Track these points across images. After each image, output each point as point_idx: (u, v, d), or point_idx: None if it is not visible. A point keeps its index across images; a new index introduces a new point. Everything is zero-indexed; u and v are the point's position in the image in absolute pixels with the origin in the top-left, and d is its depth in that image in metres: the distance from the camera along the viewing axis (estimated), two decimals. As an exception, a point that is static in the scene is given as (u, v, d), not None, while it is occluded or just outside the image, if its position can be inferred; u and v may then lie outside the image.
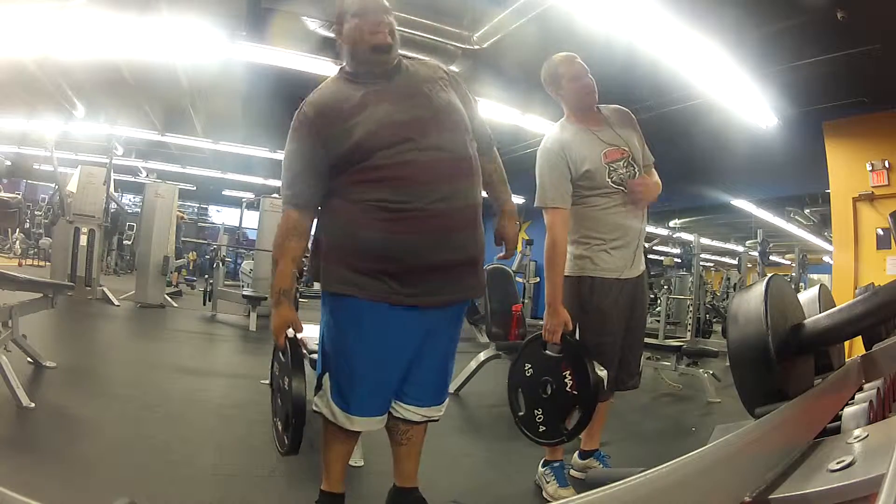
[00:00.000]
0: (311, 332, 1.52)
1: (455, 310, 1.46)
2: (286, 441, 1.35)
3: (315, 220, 1.43)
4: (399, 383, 1.43)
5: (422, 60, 1.52)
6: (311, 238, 1.46)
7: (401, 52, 1.43)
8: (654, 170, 2.04)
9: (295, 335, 1.38)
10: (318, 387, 1.44)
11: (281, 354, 1.40)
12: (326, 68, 4.56)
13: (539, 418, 1.75)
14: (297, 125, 1.38)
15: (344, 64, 1.44)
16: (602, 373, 1.69)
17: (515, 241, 1.58)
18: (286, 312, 1.37)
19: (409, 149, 1.30)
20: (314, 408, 1.44)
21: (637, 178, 1.87)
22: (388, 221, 1.29)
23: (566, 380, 1.70)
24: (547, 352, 1.78)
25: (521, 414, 1.80)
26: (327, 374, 1.42)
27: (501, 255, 1.62)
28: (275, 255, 1.40)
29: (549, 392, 1.74)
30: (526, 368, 1.82)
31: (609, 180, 1.84)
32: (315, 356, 1.73)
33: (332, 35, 1.46)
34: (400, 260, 1.31)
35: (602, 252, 1.86)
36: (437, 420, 1.53)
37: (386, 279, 1.32)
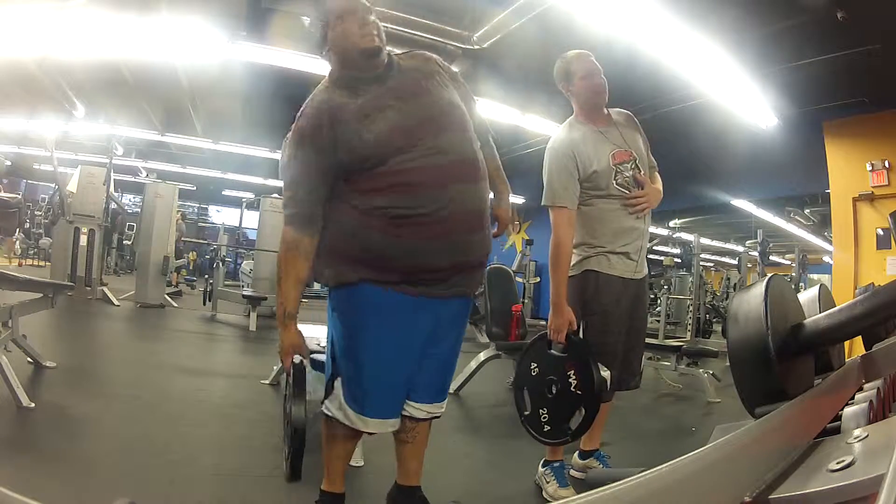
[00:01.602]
0: (310, 332, 1.52)
1: (459, 306, 1.45)
2: (289, 464, 1.36)
3: (319, 235, 1.39)
4: (411, 380, 1.43)
5: (412, 54, 1.47)
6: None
7: (390, 49, 1.41)
8: (657, 174, 2.05)
9: (301, 361, 1.39)
10: (329, 390, 1.42)
11: (287, 377, 1.41)
12: (326, 68, 4.57)
13: (544, 418, 1.75)
14: (295, 139, 1.33)
15: (332, 70, 1.40)
16: (605, 373, 1.69)
17: (508, 222, 1.58)
18: (293, 337, 1.37)
19: (418, 155, 1.29)
20: (325, 411, 1.43)
21: (638, 190, 1.88)
22: (395, 227, 1.28)
23: (570, 379, 1.70)
24: (552, 351, 1.77)
25: (526, 413, 1.80)
26: (339, 377, 1.40)
27: (495, 231, 1.57)
28: (278, 275, 1.38)
29: (554, 391, 1.73)
30: (532, 368, 1.82)
31: (615, 182, 1.85)
32: (316, 356, 1.73)
33: (319, 41, 1.40)
34: (407, 263, 1.31)
35: (606, 253, 1.86)
36: (438, 416, 1.53)
37: (392, 275, 1.32)
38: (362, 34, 1.32)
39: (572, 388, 1.69)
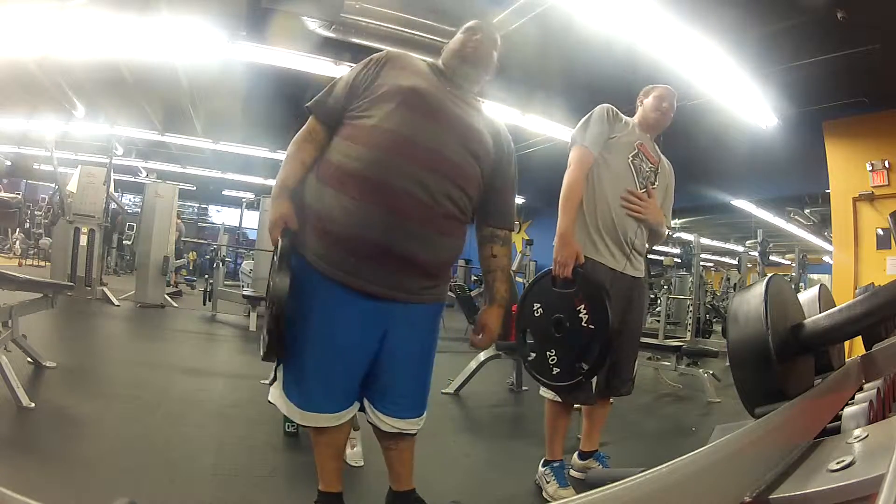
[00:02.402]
0: None
1: (419, 312, 1.39)
2: (265, 340, 1.28)
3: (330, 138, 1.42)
4: (363, 383, 1.38)
5: (497, 120, 1.55)
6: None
7: (392, 50, 1.47)
8: (669, 215, 2.10)
9: (289, 231, 1.33)
10: (273, 377, 1.40)
11: (273, 251, 1.34)
12: (326, 68, 4.58)
13: (552, 360, 1.66)
14: (366, 60, 1.43)
15: (441, 62, 1.50)
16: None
17: (495, 336, 1.51)
18: (284, 207, 1.34)
19: (411, 127, 1.30)
20: (269, 398, 1.41)
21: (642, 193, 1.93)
22: (354, 184, 1.27)
23: (580, 314, 1.63)
24: (557, 288, 1.72)
25: (531, 358, 1.72)
26: (281, 364, 1.37)
27: (473, 343, 1.54)
28: (288, 152, 1.41)
29: (563, 330, 1.65)
30: (535, 308, 1.74)
31: (630, 157, 1.93)
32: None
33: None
34: (358, 231, 1.27)
35: (600, 243, 1.88)
36: (413, 434, 1.45)
37: (345, 257, 1.28)
38: (472, 47, 1.46)
39: (584, 324, 1.62)
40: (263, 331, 1.31)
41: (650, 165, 1.97)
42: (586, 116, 1.96)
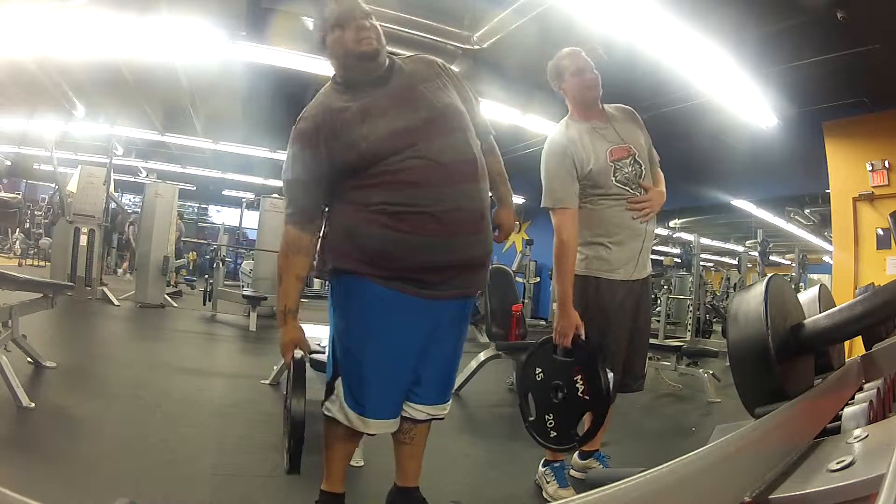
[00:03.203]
0: (310, 332, 1.52)
1: (460, 306, 1.44)
2: (288, 457, 1.36)
3: (319, 233, 1.42)
4: (411, 381, 1.42)
5: (415, 57, 1.50)
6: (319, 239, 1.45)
7: (392, 50, 1.43)
8: (659, 170, 2.02)
9: (302, 356, 1.39)
10: (330, 391, 1.43)
11: (288, 372, 1.41)
12: (326, 68, 4.57)
13: (550, 423, 1.72)
14: (295, 139, 1.36)
15: (335, 73, 1.43)
16: (608, 375, 1.68)
17: (511, 229, 1.57)
18: (293, 332, 1.38)
19: (414, 155, 1.30)
20: (325, 412, 1.44)
21: (641, 194, 1.86)
22: (392, 224, 1.29)
23: (577, 384, 1.67)
24: (557, 356, 1.75)
25: (531, 419, 1.77)
26: (339, 378, 1.41)
27: (497, 237, 1.57)
28: (279, 272, 1.41)
29: (560, 397, 1.70)
30: (537, 373, 1.78)
31: (613, 179, 1.83)
32: (316, 356, 1.73)
33: (319, 44, 1.43)
34: (407, 260, 1.31)
35: (607, 253, 1.85)
36: (442, 419, 1.52)
37: (392, 274, 1.32)
38: (359, 39, 1.34)
39: (580, 394, 1.67)
40: (286, 447, 1.37)
41: (628, 158, 1.86)
42: (544, 173, 1.85)
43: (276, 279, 1.42)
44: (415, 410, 1.45)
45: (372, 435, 1.44)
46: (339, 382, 1.41)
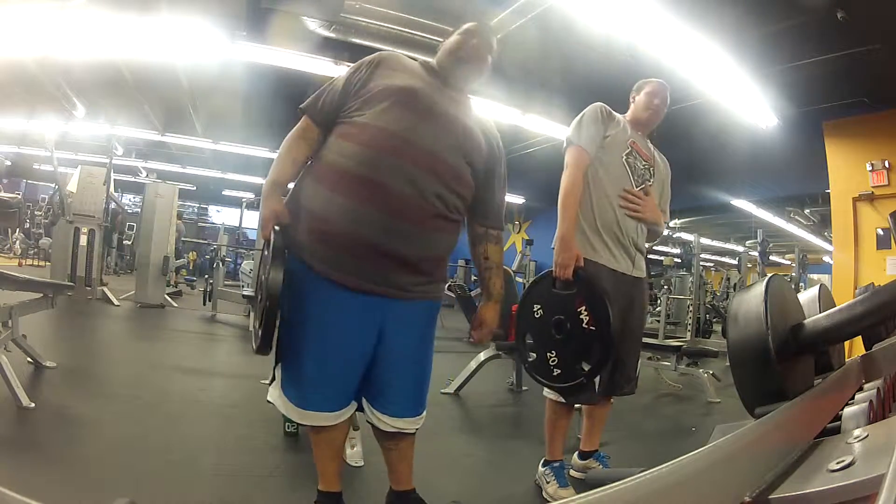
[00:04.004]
0: None
1: (414, 309, 1.40)
2: (258, 335, 1.28)
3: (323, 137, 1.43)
4: (361, 383, 1.38)
5: (484, 116, 1.55)
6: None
7: (393, 50, 1.50)
8: (667, 209, 2.09)
9: (280, 228, 1.34)
10: (273, 377, 1.40)
11: (264, 247, 1.35)
12: (326, 68, 4.58)
13: (553, 361, 1.66)
14: (358, 62, 1.44)
15: (436, 61, 1.50)
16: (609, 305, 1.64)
17: (492, 331, 1.54)
18: (275, 204, 1.35)
19: (405, 126, 1.31)
20: (268, 398, 1.41)
21: (639, 193, 1.92)
22: (348, 183, 1.28)
23: (581, 316, 1.63)
24: (557, 290, 1.71)
25: (531, 360, 1.72)
26: (279, 363, 1.38)
27: (471, 339, 1.56)
28: (280, 150, 1.42)
29: (563, 332, 1.66)
30: (535, 310, 1.74)
31: (624, 156, 1.92)
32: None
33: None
34: (352, 230, 1.28)
35: (601, 246, 1.87)
36: (412, 433, 1.46)
37: (341, 254, 1.29)
38: (470, 50, 1.46)
39: (584, 325, 1.62)
40: (256, 323, 1.31)
41: (644, 163, 1.96)
42: (579, 116, 1.95)
43: (276, 158, 1.42)
44: (378, 420, 1.40)
45: (341, 430, 1.42)
46: (279, 369, 1.38)
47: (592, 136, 1.89)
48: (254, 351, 1.31)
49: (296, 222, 1.35)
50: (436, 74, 1.47)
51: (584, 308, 1.64)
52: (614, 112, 2.00)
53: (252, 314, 5.59)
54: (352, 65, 1.46)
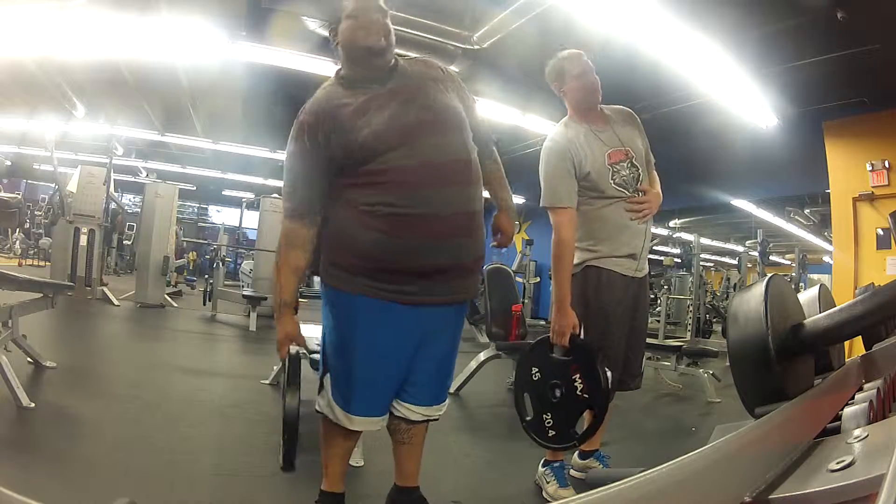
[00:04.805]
0: (309, 332, 1.52)
1: (452, 311, 1.45)
2: (284, 452, 1.35)
3: (317, 227, 1.41)
4: (400, 383, 1.43)
5: (418, 59, 1.52)
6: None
7: (398, 52, 1.43)
8: (655, 172, 2.03)
9: (297, 351, 1.39)
10: (321, 387, 1.45)
11: (283, 370, 1.41)
12: (326, 68, 4.58)
13: (548, 423, 1.71)
14: (296, 134, 1.36)
15: (340, 68, 1.44)
16: (608, 373, 1.68)
17: (511, 234, 1.59)
18: (289, 326, 1.38)
19: (411, 153, 1.30)
20: (316, 408, 1.45)
21: (640, 196, 1.88)
22: (387, 225, 1.30)
23: (576, 383, 1.67)
24: (554, 355, 1.74)
25: (528, 419, 1.76)
26: (328, 373, 1.43)
27: (494, 243, 1.59)
28: (276, 266, 1.41)
29: (558, 396, 1.70)
30: (533, 372, 1.78)
31: (612, 182, 1.84)
32: (315, 356, 1.72)
33: (328, 37, 1.47)
34: (397, 262, 1.32)
35: (608, 251, 1.86)
36: (436, 419, 1.53)
37: (384, 278, 1.33)
38: (369, 32, 1.34)
39: (578, 392, 1.66)
40: (282, 442, 1.37)
41: (624, 161, 1.87)
42: (543, 171, 1.85)
43: (274, 274, 1.41)
44: (408, 410, 1.46)
45: (357, 432, 1.45)
46: (327, 378, 1.43)
47: (570, 188, 1.81)
48: (280, 469, 1.36)
49: (336, 251, 1.37)
50: (365, 83, 1.37)
51: (578, 375, 1.68)
52: (565, 134, 1.86)
53: (251, 314, 5.60)
54: (293, 138, 1.36)
